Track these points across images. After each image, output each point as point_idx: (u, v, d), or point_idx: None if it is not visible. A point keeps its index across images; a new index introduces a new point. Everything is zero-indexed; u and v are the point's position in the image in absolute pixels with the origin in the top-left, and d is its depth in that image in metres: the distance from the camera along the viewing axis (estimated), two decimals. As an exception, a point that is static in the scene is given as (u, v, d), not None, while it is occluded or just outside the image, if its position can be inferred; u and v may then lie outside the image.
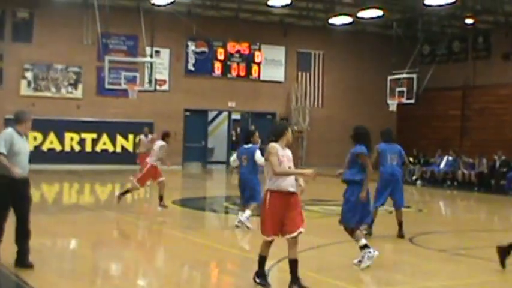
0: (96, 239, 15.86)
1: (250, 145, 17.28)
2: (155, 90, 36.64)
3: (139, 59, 36.39)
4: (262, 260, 10.94)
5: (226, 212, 22.62)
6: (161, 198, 20.69)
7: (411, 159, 35.43)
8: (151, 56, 35.37)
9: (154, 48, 35.68)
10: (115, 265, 13.13)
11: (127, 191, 21.68)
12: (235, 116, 43.85)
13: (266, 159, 10.85)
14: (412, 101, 38.36)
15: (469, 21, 40.30)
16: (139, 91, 34.89)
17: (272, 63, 43.12)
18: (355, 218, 12.87)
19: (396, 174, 16.71)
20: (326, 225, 18.51)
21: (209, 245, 15.11)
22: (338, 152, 42.39)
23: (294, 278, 10.63)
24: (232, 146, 41.83)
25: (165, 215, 20.16)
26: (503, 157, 32.57)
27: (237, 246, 14.46)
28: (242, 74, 42.23)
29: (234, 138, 42.80)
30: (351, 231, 12.93)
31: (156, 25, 36.01)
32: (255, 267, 10.90)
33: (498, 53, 41.18)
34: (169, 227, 18.14)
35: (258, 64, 42.71)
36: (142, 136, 29.82)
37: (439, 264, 13.62)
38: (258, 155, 16.79)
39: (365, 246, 12.54)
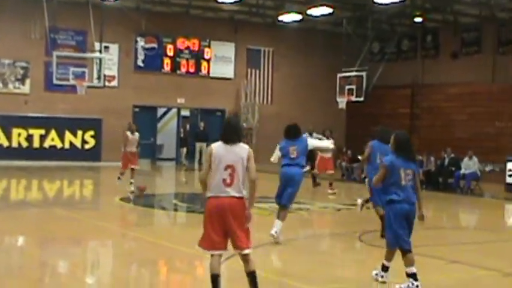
0: (44, 236, 15.82)
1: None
2: (104, 86, 36.35)
3: (88, 55, 36.18)
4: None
5: (175, 210, 22.66)
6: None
7: (359, 157, 35.60)
8: (100, 52, 35.13)
9: (103, 44, 35.41)
10: (63, 263, 13.10)
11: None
12: (185, 112, 43.77)
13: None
14: (361, 98, 38.53)
15: (418, 19, 40.66)
16: (88, 87, 34.79)
17: (222, 59, 43.15)
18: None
19: None
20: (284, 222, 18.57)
21: (157, 243, 15.13)
22: (287, 149, 42.86)
23: None
24: (181, 143, 41.84)
25: (113, 213, 20.15)
26: (452, 155, 32.92)
27: (185, 244, 14.50)
28: (191, 70, 42.19)
29: (182, 135, 42.70)
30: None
31: (105, 20, 35.62)
32: (204, 264, 10.89)
33: (447, 51, 41.59)
34: (118, 225, 18.14)
35: (208, 61, 42.70)
36: (128, 133, 26.33)
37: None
38: (312, 141, 16.58)
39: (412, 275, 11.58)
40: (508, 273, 12.60)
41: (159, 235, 16.43)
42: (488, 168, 30.83)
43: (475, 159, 30.97)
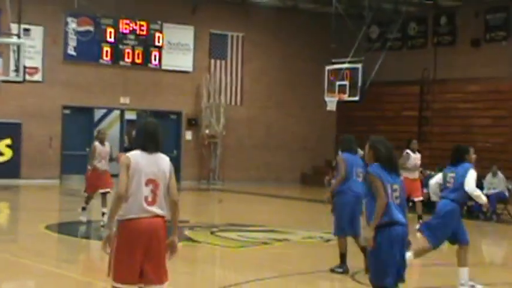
0: None
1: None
2: (24, 80, 36.07)
3: (2, 40, 35.72)
4: None
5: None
6: None
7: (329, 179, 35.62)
8: (18, 36, 34.71)
9: (23, 26, 35.06)
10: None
11: None
12: (130, 115, 43.54)
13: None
14: (356, 98, 38.49)
15: (429, -3, 40.87)
16: (3, 81, 34.38)
17: (177, 47, 43.05)
18: None
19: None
20: (247, 257, 18.46)
21: (91, 283, 14.93)
22: (260, 163, 42.79)
23: None
24: (126, 150, 41.69)
25: (37, 245, 19.90)
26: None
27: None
28: (138, 61, 42.02)
29: (127, 144, 42.44)
30: None
31: (26, -4, 35.68)
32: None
33: (466, 38, 41.70)
34: (40, 261, 17.81)
35: (159, 49, 42.56)
36: (96, 143, 23.97)
37: None
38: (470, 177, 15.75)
39: None
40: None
41: (93, 272, 16.23)
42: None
43: (500, 175, 30.99)
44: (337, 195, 16.53)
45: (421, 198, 25.06)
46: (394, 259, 11.03)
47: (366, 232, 11.09)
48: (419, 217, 24.91)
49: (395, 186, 11.27)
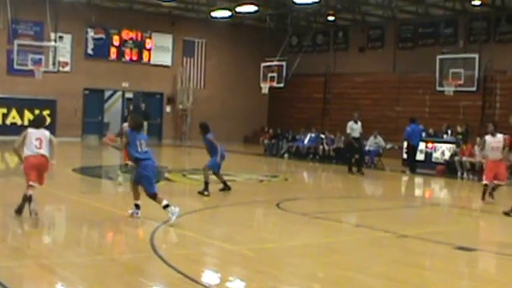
0: (4, 201, 15.67)
1: None
2: (58, 71, 36.53)
3: (45, 43, 35.92)
4: None
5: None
6: None
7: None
8: (55, 41, 35.35)
9: (58, 34, 35.57)
10: (18, 223, 12.94)
11: None
12: (128, 95, 43.49)
13: None
14: (282, 85, 38.81)
15: (331, 18, 41.11)
16: (44, 72, 34.80)
17: (161, 49, 42.94)
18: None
19: None
20: (213, 191, 18.73)
21: (103, 208, 15.15)
22: (217, 128, 42.69)
23: None
24: (125, 121, 41.84)
25: (66, 182, 20.01)
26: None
27: (128, 209, 14.54)
28: (135, 58, 41.99)
29: (126, 114, 42.64)
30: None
31: (60, 13, 35.98)
32: (145, 227, 10.98)
33: (355, 46, 42.15)
34: (68, 192, 18.01)
35: (149, 50, 42.52)
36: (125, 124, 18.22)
37: (301, 226, 13.96)
38: None
39: (167, 206, 12.90)
40: (402, 235, 12.88)
41: (105, 201, 16.43)
42: (388, 146, 31.23)
43: (379, 137, 31.33)
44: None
45: (503, 182, 18.74)
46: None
47: None
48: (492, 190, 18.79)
49: (142, 141, 13.26)
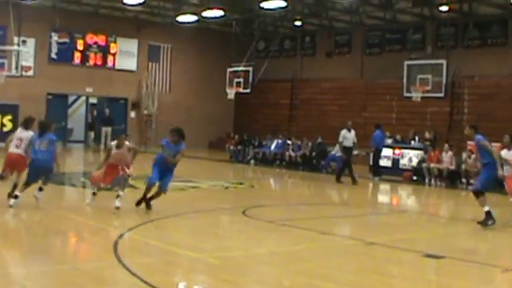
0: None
1: None
2: (21, 75, 36.24)
3: (8, 48, 35.51)
4: None
5: (83, 187, 22.38)
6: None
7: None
8: (18, 45, 35.01)
9: (21, 38, 35.22)
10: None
11: None
12: (92, 100, 43.31)
13: None
14: (248, 90, 38.85)
15: (298, 23, 41.19)
16: (7, 76, 34.39)
17: (126, 54, 42.76)
18: None
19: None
20: (170, 199, 18.66)
21: (66, 216, 14.97)
22: (183, 134, 42.81)
23: None
24: (89, 127, 41.93)
25: (29, 189, 19.75)
26: (320, 140, 33.40)
27: (92, 218, 14.42)
28: (99, 63, 41.74)
29: (90, 120, 42.52)
30: None
31: (23, 17, 35.70)
32: (109, 235, 10.87)
33: (322, 51, 42.26)
34: (30, 199, 17.78)
35: (113, 55, 42.32)
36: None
37: (267, 233, 13.95)
38: None
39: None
40: (370, 242, 12.90)
41: (68, 209, 16.25)
42: (355, 152, 31.31)
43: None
44: None
45: None
46: None
47: None
48: None
49: (44, 142, 15.04)
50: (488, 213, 15.19)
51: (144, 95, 43.36)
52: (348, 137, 26.49)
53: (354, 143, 26.81)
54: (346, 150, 26.51)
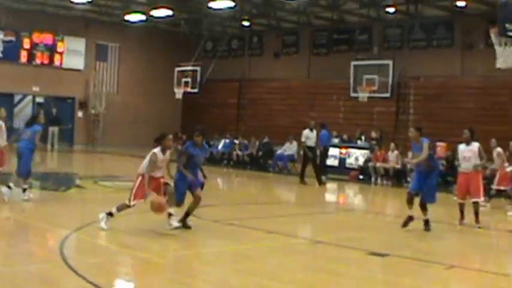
0: None
1: None
2: (-35, 74, 35.71)
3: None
4: None
5: (30, 187, 22.06)
6: None
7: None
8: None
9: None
10: None
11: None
12: (39, 99, 42.78)
13: None
14: (196, 90, 38.88)
15: (246, 23, 41.16)
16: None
17: (73, 53, 42.30)
18: None
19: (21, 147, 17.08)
20: (117, 199, 18.49)
21: (11, 218, 14.80)
22: (131, 134, 42.61)
23: None
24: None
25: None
26: (266, 140, 33.52)
27: (38, 219, 14.22)
28: (46, 61, 41.21)
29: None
30: None
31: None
32: (54, 236, 10.74)
33: (270, 51, 42.29)
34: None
35: (61, 53, 41.82)
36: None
37: (214, 233, 13.91)
38: None
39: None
40: (316, 241, 12.95)
41: (13, 210, 16.03)
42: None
43: (294, 142, 31.47)
44: None
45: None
46: None
47: None
48: None
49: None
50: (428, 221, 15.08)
51: (91, 95, 43.00)
52: (311, 136, 26.48)
53: (316, 143, 26.84)
54: (310, 150, 26.33)
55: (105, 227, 12.51)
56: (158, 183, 13.00)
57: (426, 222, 14.83)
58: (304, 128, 26.64)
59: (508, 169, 19.50)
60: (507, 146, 20.81)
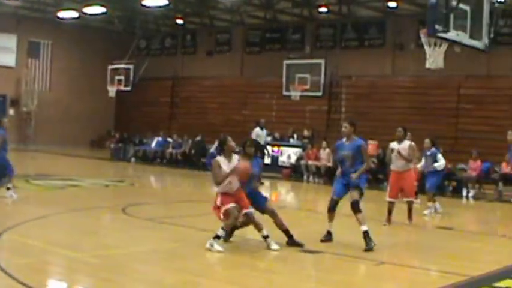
0: None
1: None
2: None
3: None
4: None
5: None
6: None
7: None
8: None
9: None
10: None
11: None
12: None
13: None
14: (129, 88, 38.77)
15: (179, 21, 41.10)
16: None
17: (4, 50, 41.66)
18: None
19: None
20: (49, 197, 18.34)
21: None
22: (62, 132, 42.16)
23: None
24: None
25: None
26: (198, 138, 33.52)
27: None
28: (-25, 58, 40.65)
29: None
30: None
31: None
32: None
33: (203, 49, 42.28)
34: None
35: (-9, 50, 41.29)
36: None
37: (147, 231, 13.84)
38: None
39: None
40: (248, 238, 12.96)
41: None
42: (237, 150, 31.49)
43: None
44: None
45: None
46: None
47: None
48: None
49: None
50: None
51: (23, 92, 42.43)
52: (261, 134, 26.55)
53: (265, 142, 26.84)
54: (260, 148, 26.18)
55: (221, 248, 11.62)
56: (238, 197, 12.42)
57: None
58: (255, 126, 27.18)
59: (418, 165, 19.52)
60: (439, 145, 21.07)
